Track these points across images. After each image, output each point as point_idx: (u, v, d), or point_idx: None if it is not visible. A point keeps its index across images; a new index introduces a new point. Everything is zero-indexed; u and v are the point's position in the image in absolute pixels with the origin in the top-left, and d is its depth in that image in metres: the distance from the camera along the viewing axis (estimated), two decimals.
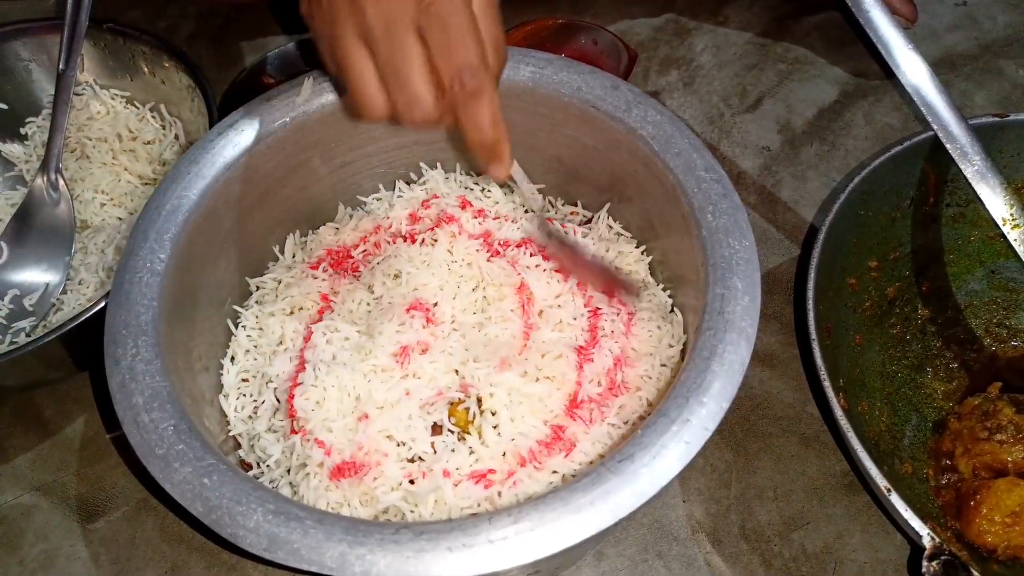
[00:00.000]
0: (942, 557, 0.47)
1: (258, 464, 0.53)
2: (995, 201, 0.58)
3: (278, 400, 0.54)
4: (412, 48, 0.42)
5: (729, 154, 0.77)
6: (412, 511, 0.49)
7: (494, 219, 0.61)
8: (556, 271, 0.57)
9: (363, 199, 0.65)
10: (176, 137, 0.72)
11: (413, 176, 0.65)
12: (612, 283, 0.54)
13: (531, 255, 0.58)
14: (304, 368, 0.53)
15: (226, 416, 0.55)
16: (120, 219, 0.69)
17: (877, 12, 0.59)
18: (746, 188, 0.74)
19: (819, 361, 0.54)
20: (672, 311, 0.57)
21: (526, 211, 0.62)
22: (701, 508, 0.58)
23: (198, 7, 0.88)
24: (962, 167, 0.58)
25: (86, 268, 0.66)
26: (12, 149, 0.74)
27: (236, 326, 0.58)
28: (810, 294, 0.57)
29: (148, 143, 0.72)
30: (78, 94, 0.71)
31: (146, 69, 0.72)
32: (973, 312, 0.66)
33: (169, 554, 0.57)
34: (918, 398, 0.63)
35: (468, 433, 0.51)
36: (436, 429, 0.51)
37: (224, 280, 0.58)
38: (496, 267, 0.57)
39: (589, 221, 0.62)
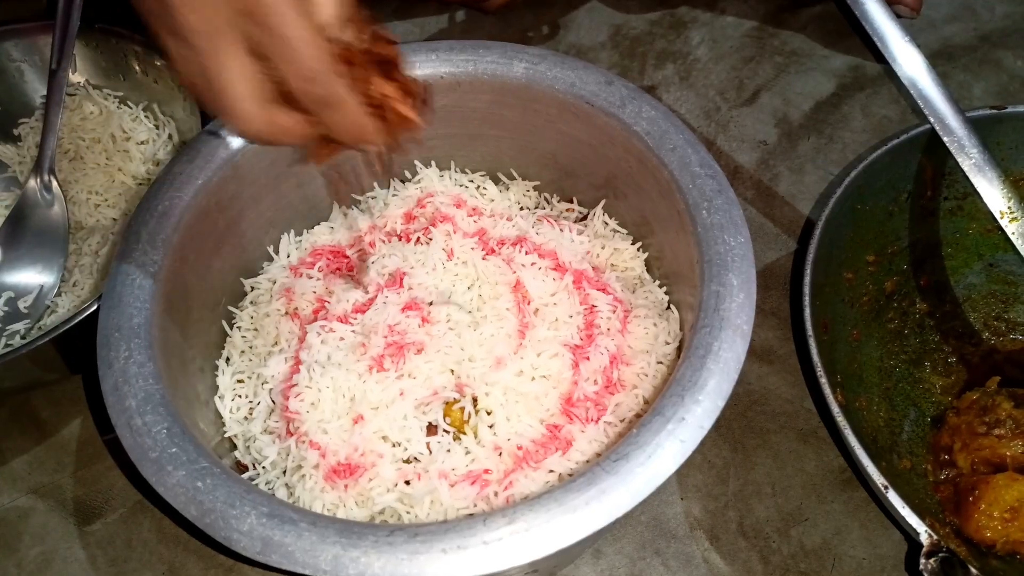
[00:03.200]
0: (940, 554, 0.47)
1: (254, 466, 0.53)
2: (993, 194, 0.57)
3: (273, 401, 0.54)
4: (228, 59, 0.37)
5: (726, 148, 0.76)
6: (408, 512, 0.49)
7: (489, 217, 0.61)
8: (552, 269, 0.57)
9: (358, 198, 0.64)
10: (170, 137, 0.72)
11: (408, 174, 0.65)
12: None
13: (526, 253, 0.57)
14: (299, 369, 0.53)
15: (221, 418, 0.55)
16: (114, 220, 0.69)
17: (873, 4, 0.59)
18: (743, 182, 0.74)
19: (815, 357, 0.54)
20: (668, 308, 0.56)
21: (520, 208, 0.62)
22: (699, 505, 0.58)
23: None
24: (959, 160, 0.58)
25: (80, 270, 0.66)
26: (5, 150, 0.73)
27: (231, 327, 0.58)
28: (806, 289, 0.56)
29: (141, 143, 0.72)
30: (71, 94, 0.71)
31: (138, 69, 0.72)
32: (971, 306, 0.66)
33: (166, 556, 0.57)
34: (916, 393, 0.62)
35: (464, 433, 0.50)
36: (431, 429, 0.51)
37: (218, 281, 0.57)
38: (491, 265, 0.57)
39: (585, 218, 0.62)
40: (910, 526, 0.48)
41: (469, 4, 0.86)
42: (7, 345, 0.63)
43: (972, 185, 0.57)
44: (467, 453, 0.50)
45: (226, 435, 0.54)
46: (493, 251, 0.58)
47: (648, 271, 0.60)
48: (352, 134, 0.40)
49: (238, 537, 0.40)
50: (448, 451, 0.50)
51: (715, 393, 0.44)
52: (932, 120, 0.58)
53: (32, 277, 0.66)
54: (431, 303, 0.55)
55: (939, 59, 0.81)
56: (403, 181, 0.65)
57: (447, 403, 0.51)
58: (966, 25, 0.84)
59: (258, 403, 0.55)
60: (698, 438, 0.42)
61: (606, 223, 0.61)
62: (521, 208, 0.63)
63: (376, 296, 0.56)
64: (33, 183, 0.67)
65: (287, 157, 0.58)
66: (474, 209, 0.61)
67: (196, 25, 0.36)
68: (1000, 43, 0.82)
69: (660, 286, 0.58)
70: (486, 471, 0.49)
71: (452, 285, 0.57)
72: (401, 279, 0.57)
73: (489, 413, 0.51)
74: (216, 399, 0.55)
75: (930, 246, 0.65)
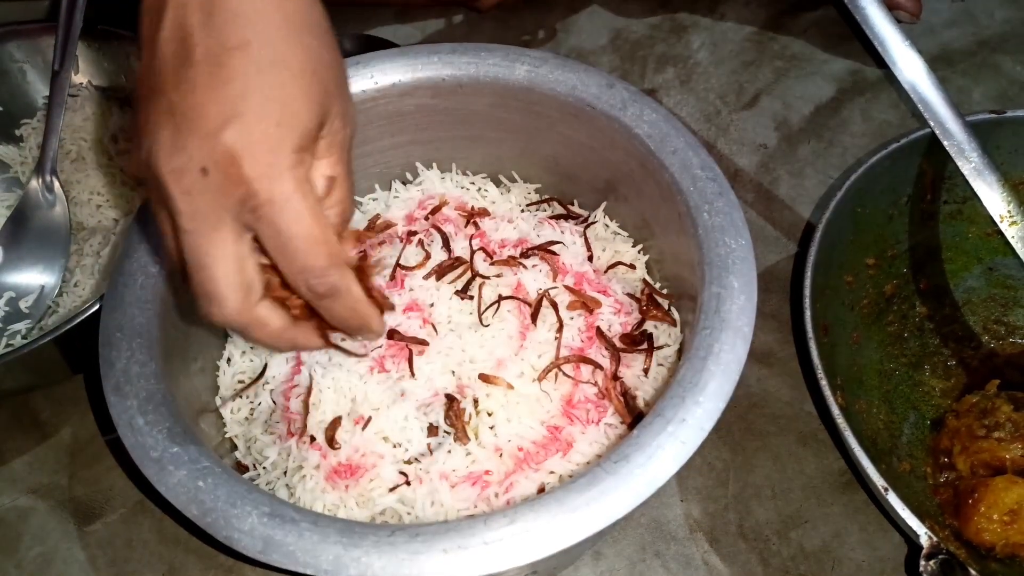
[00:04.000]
0: (939, 556, 0.47)
1: (255, 466, 0.53)
2: (992, 197, 0.58)
3: (274, 402, 0.54)
4: (219, 247, 0.36)
5: (726, 152, 0.76)
6: (409, 513, 0.49)
7: (490, 219, 0.61)
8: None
9: (359, 199, 0.65)
10: None
11: (409, 176, 0.65)
12: None
13: (527, 255, 0.58)
14: (300, 370, 0.53)
15: (223, 418, 0.55)
16: (116, 221, 0.69)
17: (873, 8, 0.59)
18: (743, 186, 0.74)
19: (815, 359, 0.54)
20: (669, 310, 0.57)
21: (522, 211, 0.62)
22: (699, 507, 0.58)
23: None
24: (959, 164, 0.58)
25: (82, 270, 0.66)
26: (7, 151, 0.74)
27: None
28: (806, 292, 0.56)
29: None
30: (73, 95, 0.71)
31: None
32: (971, 309, 0.66)
33: (166, 556, 0.57)
34: (916, 396, 0.62)
35: (464, 434, 0.51)
36: (432, 430, 0.51)
37: None
38: (492, 267, 0.57)
39: (586, 220, 0.62)
40: (910, 528, 0.49)
41: (464, 3, 0.86)
42: (8, 345, 0.63)
43: (972, 189, 0.58)
44: (468, 455, 0.50)
45: (227, 435, 0.54)
46: (494, 253, 0.58)
47: (649, 273, 0.60)
48: (354, 321, 0.40)
49: (239, 536, 0.40)
50: (449, 452, 0.50)
51: (716, 395, 0.44)
52: (932, 124, 0.58)
53: (33, 277, 0.66)
54: (432, 304, 0.55)
55: (939, 63, 0.81)
56: (404, 183, 0.65)
57: (448, 404, 0.51)
58: (965, 30, 0.84)
59: (259, 404, 0.55)
60: (698, 440, 0.42)
61: (607, 225, 0.61)
62: (522, 210, 0.63)
63: None
64: (35, 184, 0.67)
65: None
66: (476, 211, 0.61)
67: (190, 210, 0.35)
68: (999, 48, 0.82)
69: (661, 288, 0.58)
70: (486, 472, 0.49)
71: (453, 287, 0.57)
72: (402, 280, 0.57)
73: (490, 414, 0.51)
74: (217, 400, 0.55)
75: (930, 250, 0.65)
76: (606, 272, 0.59)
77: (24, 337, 0.63)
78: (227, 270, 0.36)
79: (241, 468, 0.53)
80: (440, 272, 0.56)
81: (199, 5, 0.35)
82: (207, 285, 0.37)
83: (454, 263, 0.57)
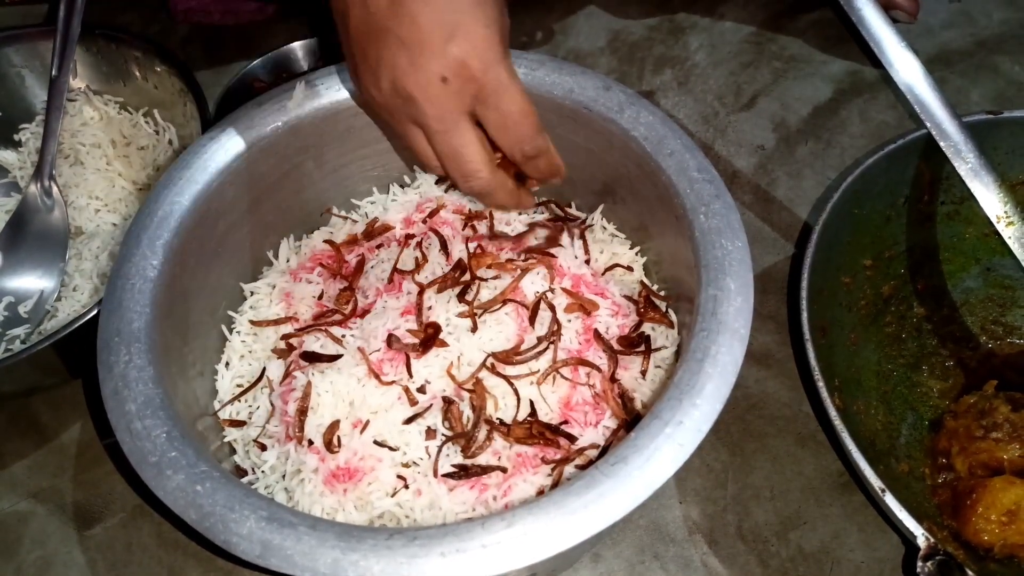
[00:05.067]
0: (937, 557, 0.47)
1: (253, 470, 0.53)
2: (989, 198, 0.58)
3: (273, 406, 0.54)
4: (466, 134, 0.47)
5: (724, 153, 0.77)
6: (407, 516, 0.49)
7: (487, 222, 0.61)
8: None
9: (357, 203, 0.65)
10: (170, 142, 0.72)
11: (407, 179, 0.65)
12: None
13: (525, 258, 0.58)
14: (298, 374, 0.53)
15: (221, 422, 0.55)
16: (114, 225, 0.69)
17: (870, 10, 0.59)
18: (741, 187, 0.74)
19: (813, 361, 0.54)
20: (666, 312, 0.57)
21: (519, 213, 0.62)
22: (698, 509, 0.58)
23: (188, 23, 0.87)
24: (956, 165, 0.58)
25: (80, 274, 0.66)
26: (5, 156, 0.74)
27: (230, 331, 0.58)
28: (803, 293, 0.56)
29: (142, 148, 0.72)
30: (71, 100, 0.71)
31: (139, 74, 0.72)
32: (969, 310, 0.66)
33: (166, 560, 0.57)
34: (914, 397, 0.63)
35: (462, 437, 0.51)
36: (430, 433, 0.51)
37: (218, 286, 0.57)
38: (490, 270, 0.57)
39: (583, 222, 0.62)
40: (908, 529, 0.49)
41: None
42: (7, 350, 0.63)
43: (969, 190, 0.58)
44: (466, 457, 0.50)
45: (225, 439, 0.54)
46: (491, 255, 0.58)
47: (647, 275, 0.60)
48: (552, 172, 0.52)
49: (237, 540, 0.41)
50: (447, 455, 0.50)
51: (713, 397, 0.44)
52: (929, 125, 0.58)
53: (32, 282, 0.66)
54: (430, 307, 0.55)
55: (936, 64, 0.81)
56: (402, 186, 0.65)
57: (446, 407, 0.51)
58: (963, 31, 0.84)
59: (257, 407, 0.55)
60: (696, 442, 0.42)
61: (604, 228, 0.61)
62: (520, 213, 0.63)
63: (375, 301, 0.56)
64: (34, 188, 0.67)
65: (287, 161, 0.59)
66: (473, 213, 0.61)
67: (439, 113, 0.46)
68: (997, 49, 0.82)
69: (659, 290, 0.58)
70: (485, 475, 0.49)
71: (451, 289, 0.57)
72: (400, 284, 0.57)
73: (488, 418, 0.51)
74: (215, 403, 0.55)
75: (927, 250, 0.65)
76: (603, 274, 0.59)
77: (23, 341, 0.63)
78: (476, 150, 0.47)
79: (239, 472, 0.54)
80: (442, 285, 0.56)
81: None
82: (465, 166, 0.48)
83: (454, 271, 0.57)
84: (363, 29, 0.46)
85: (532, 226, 0.60)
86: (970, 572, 0.46)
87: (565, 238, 0.59)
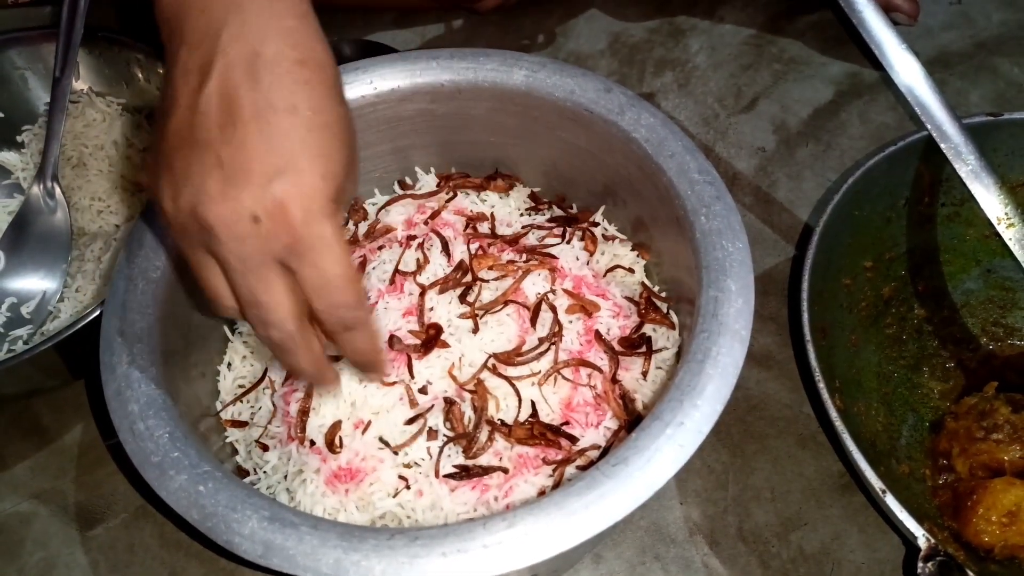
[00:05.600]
0: (937, 558, 0.47)
1: (255, 471, 0.53)
2: (990, 200, 0.58)
3: (275, 406, 0.54)
4: (272, 281, 0.40)
5: (724, 155, 0.77)
6: (408, 517, 0.49)
7: (489, 223, 0.61)
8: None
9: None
10: None
11: (408, 180, 0.65)
12: None
13: (526, 259, 0.58)
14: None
15: (223, 423, 0.55)
16: (117, 226, 0.70)
17: (870, 12, 0.59)
18: (742, 189, 0.74)
19: (814, 362, 0.54)
20: (667, 313, 0.57)
21: (520, 215, 0.62)
22: (698, 510, 0.58)
23: None
24: (956, 167, 0.58)
25: (83, 275, 0.66)
26: (8, 157, 0.74)
27: (232, 332, 0.58)
28: (804, 295, 0.57)
29: (144, 150, 0.72)
30: (74, 102, 0.71)
31: (141, 76, 0.72)
32: (969, 311, 0.66)
33: (168, 561, 0.57)
34: (914, 398, 0.63)
35: (464, 437, 0.51)
36: (432, 434, 0.51)
37: None
38: (492, 271, 0.57)
39: (588, 222, 0.62)
40: (908, 530, 0.49)
41: (463, 6, 0.87)
42: (10, 351, 0.63)
43: (969, 191, 0.58)
44: (467, 458, 0.50)
45: (227, 440, 0.55)
46: (493, 257, 0.58)
47: (647, 276, 0.60)
48: (368, 353, 0.44)
49: (240, 541, 0.41)
50: (448, 456, 0.50)
51: (714, 398, 0.44)
52: (929, 127, 0.58)
53: (35, 283, 0.66)
54: (431, 308, 0.55)
55: (936, 66, 0.81)
56: (404, 188, 0.65)
57: (447, 407, 0.52)
58: (963, 32, 0.84)
59: (259, 408, 0.55)
60: (697, 443, 0.43)
61: (605, 229, 0.62)
62: (521, 214, 0.63)
63: (377, 302, 0.57)
64: (36, 189, 0.67)
65: None
66: (475, 215, 0.61)
67: (242, 253, 0.39)
68: (996, 50, 0.82)
69: (660, 291, 0.58)
70: (486, 475, 0.49)
71: (453, 290, 0.57)
72: (402, 285, 0.57)
73: (489, 419, 0.51)
74: (217, 404, 0.56)
75: (928, 252, 0.65)
76: (605, 276, 0.59)
77: (26, 343, 0.64)
78: (281, 300, 0.40)
79: (241, 472, 0.54)
80: (444, 286, 0.56)
81: (245, 71, 0.38)
82: (266, 315, 0.41)
83: (455, 272, 0.57)
84: (182, 134, 0.39)
85: (532, 227, 0.61)
86: (971, 573, 0.46)
87: (566, 239, 0.59)
